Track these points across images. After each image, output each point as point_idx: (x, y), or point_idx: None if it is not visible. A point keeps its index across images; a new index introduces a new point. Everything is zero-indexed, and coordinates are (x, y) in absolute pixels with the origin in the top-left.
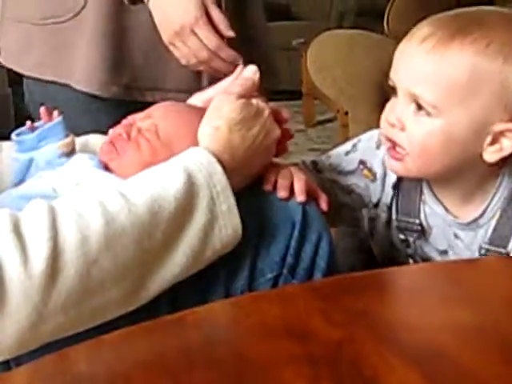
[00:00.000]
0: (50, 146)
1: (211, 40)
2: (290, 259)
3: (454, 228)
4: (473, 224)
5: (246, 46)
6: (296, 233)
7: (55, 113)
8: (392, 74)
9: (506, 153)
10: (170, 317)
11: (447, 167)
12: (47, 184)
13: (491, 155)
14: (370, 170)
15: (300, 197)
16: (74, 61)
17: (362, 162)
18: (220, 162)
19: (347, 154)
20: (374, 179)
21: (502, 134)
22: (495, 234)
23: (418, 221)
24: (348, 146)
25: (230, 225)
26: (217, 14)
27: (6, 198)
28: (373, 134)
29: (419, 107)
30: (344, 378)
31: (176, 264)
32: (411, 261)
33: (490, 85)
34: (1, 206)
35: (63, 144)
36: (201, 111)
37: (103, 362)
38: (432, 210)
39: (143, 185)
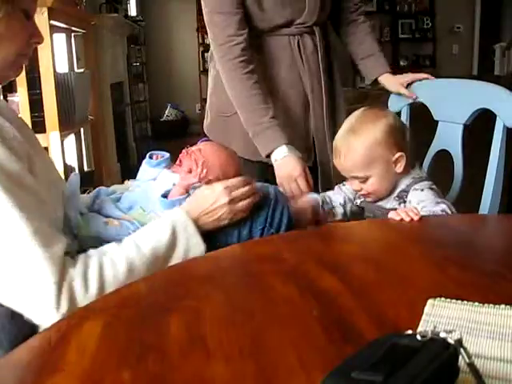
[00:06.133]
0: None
1: (304, 187)
2: (269, 219)
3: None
4: (387, 201)
5: None
6: (272, 205)
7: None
8: (341, 172)
9: (404, 163)
10: (211, 252)
11: (389, 186)
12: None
13: (400, 169)
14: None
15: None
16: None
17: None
18: (189, 215)
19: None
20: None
21: (397, 159)
22: (401, 193)
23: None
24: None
25: (198, 251)
26: (308, 172)
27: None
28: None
29: (360, 179)
30: (299, 282)
31: None
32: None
33: (376, 150)
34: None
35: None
36: (223, 146)
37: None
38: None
39: (149, 238)
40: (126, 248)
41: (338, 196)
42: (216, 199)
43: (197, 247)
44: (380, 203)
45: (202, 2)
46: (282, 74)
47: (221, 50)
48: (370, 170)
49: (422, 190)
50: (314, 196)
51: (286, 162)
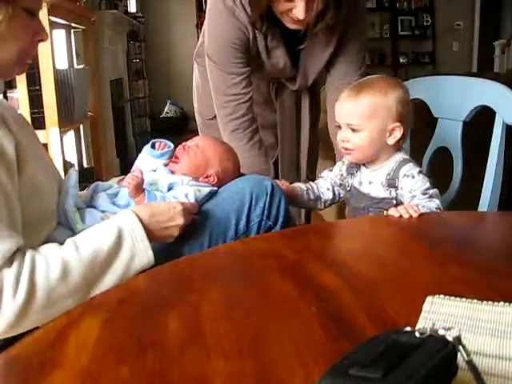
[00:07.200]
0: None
1: None
2: (266, 212)
3: (369, 177)
4: (378, 171)
5: None
6: (268, 198)
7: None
8: (336, 118)
9: (397, 138)
10: (210, 249)
11: (373, 152)
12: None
13: (391, 141)
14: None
15: None
16: None
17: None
18: (140, 219)
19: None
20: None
21: (393, 129)
22: (390, 181)
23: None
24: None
25: (145, 256)
26: None
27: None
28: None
29: (352, 129)
30: (298, 278)
31: (110, 281)
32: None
33: (380, 109)
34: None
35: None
36: (219, 140)
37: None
38: (361, 172)
39: (90, 239)
40: (64, 249)
41: (324, 182)
42: (173, 217)
43: (143, 253)
44: (368, 191)
45: (206, 50)
46: (254, 108)
47: (227, 106)
48: (365, 124)
49: (413, 176)
50: (300, 186)
51: None
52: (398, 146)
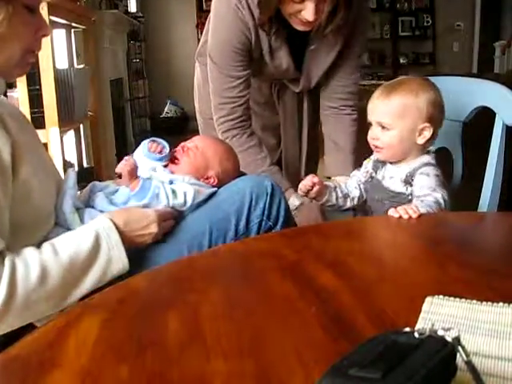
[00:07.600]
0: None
1: None
2: (266, 212)
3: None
4: (401, 168)
5: None
6: (268, 198)
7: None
8: (368, 117)
9: (427, 137)
10: (211, 249)
11: (402, 151)
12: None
13: (420, 141)
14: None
15: None
16: None
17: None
18: (116, 225)
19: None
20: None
21: (423, 129)
22: (408, 177)
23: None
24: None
25: (120, 262)
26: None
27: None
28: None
29: (383, 127)
30: (298, 278)
31: (87, 285)
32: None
33: (411, 109)
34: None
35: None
36: (219, 140)
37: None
38: (386, 169)
39: (68, 243)
40: (42, 251)
41: (351, 181)
42: (148, 225)
43: (118, 259)
44: (388, 185)
45: (209, 50)
46: (255, 108)
47: (222, 108)
48: (396, 122)
49: (428, 175)
50: (328, 183)
51: (302, 213)
52: (426, 147)
